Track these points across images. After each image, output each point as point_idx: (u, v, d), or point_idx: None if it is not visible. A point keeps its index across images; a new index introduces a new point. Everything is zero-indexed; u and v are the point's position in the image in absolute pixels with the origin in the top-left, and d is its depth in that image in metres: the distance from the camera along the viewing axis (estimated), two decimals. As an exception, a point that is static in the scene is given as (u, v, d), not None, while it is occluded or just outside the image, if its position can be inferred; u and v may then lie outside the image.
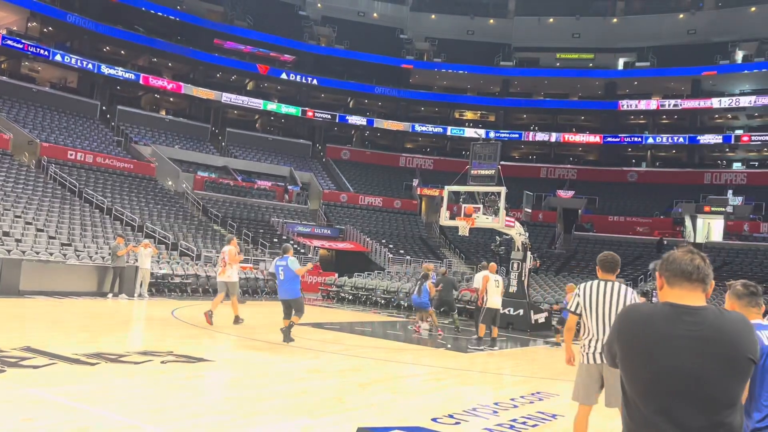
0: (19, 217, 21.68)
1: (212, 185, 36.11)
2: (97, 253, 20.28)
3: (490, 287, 13.39)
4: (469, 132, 45.14)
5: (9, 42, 34.36)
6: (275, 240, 30.50)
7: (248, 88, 45.30)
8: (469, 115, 48.86)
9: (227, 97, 42.06)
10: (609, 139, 43.79)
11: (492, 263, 14.45)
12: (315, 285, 26.01)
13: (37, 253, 18.18)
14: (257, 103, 43.43)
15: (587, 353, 4.87)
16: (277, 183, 39.58)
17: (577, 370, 5.04)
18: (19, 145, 29.60)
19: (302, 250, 31.04)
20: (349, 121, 45.76)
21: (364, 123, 45.99)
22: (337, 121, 45.49)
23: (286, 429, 5.30)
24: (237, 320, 12.41)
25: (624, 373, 2.19)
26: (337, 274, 26.00)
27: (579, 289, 4.97)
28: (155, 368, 7.54)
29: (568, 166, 45.51)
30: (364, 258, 32.47)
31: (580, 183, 42.65)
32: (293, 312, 10.58)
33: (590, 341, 4.85)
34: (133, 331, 11.99)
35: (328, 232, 35.52)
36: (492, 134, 43.78)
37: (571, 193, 41.23)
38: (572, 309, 4.98)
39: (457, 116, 48.41)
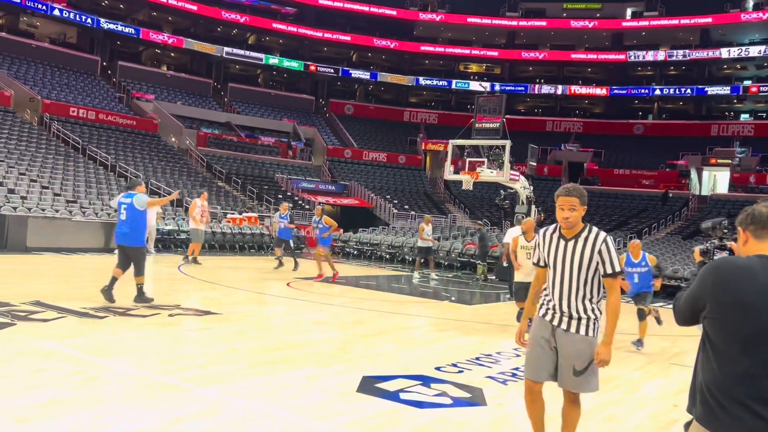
0: (24, 174, 21.71)
1: (216, 141, 35.99)
2: (102, 209, 20.35)
3: (520, 255, 8.77)
4: (474, 85, 44.59)
5: (6, -4, 33.80)
6: (280, 196, 30.51)
7: (250, 42, 44.68)
8: (474, 68, 48.18)
9: (228, 51, 41.52)
10: (616, 91, 43.23)
11: (528, 219, 9.24)
12: (320, 240, 26.10)
13: (43, 210, 18.27)
14: (259, 57, 42.88)
15: None
16: (280, 139, 39.40)
17: None
18: (20, 102, 29.43)
19: (307, 206, 31.08)
20: (353, 75, 45.24)
21: (368, 77, 45.46)
22: (340, 75, 44.97)
23: (292, 378, 5.40)
24: (192, 260, 15.21)
25: (718, 327, 2.17)
26: (342, 230, 26.10)
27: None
28: (163, 321, 7.66)
29: (574, 119, 45.08)
30: (368, 213, 32.54)
31: (586, 136, 42.30)
32: (131, 265, 8.71)
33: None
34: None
35: (333, 187, 35.51)
36: (497, 87, 43.24)
37: (576, 146, 40.98)
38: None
39: (461, 69, 47.75)
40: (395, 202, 33.27)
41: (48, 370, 5.08)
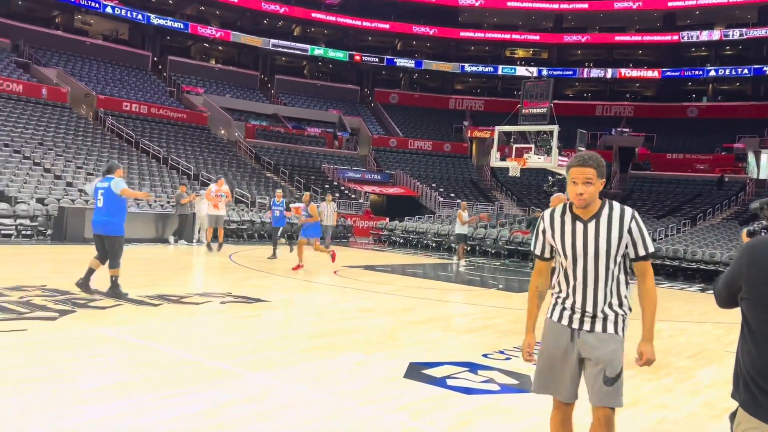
0: (81, 167, 22.46)
1: (263, 133, 36.48)
2: (156, 201, 20.91)
3: None
4: (521, 70, 43.95)
5: (61, -4, 34.88)
6: (326, 186, 30.77)
7: (295, 34, 45.02)
8: (520, 53, 47.46)
9: (275, 43, 41.93)
10: (668, 73, 41.98)
11: (558, 194, 8.34)
12: (366, 229, 26.29)
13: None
14: (304, 48, 43.18)
15: None
16: (326, 129, 39.66)
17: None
18: (76, 98, 30.40)
19: (353, 196, 31.26)
20: (398, 64, 45.13)
21: (413, 65, 45.29)
22: (384, 64, 44.92)
23: (340, 363, 5.48)
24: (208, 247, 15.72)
25: (753, 307, 2.12)
26: (387, 219, 26.19)
27: None
28: (215, 308, 7.85)
29: (625, 103, 43.97)
30: (414, 202, 32.53)
31: (637, 120, 41.26)
32: (107, 256, 8.03)
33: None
34: (193, 275, 12.43)
35: (378, 177, 35.59)
36: (545, 72, 42.48)
37: (627, 130, 40.00)
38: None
39: (508, 55, 47.07)
40: (441, 190, 33.15)
41: (106, 355, 5.28)
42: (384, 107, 44.10)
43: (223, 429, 3.74)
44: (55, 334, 5.87)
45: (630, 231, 2.93)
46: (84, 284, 7.91)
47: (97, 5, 36.13)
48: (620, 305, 2.98)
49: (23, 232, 15.84)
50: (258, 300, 8.64)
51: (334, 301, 9.71)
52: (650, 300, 3.03)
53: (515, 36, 45.50)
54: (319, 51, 43.66)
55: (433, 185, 33.83)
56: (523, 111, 22.13)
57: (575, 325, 2.99)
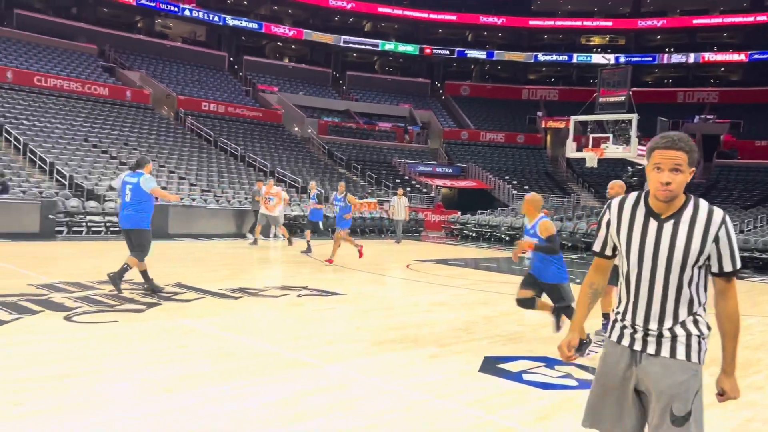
0: (163, 166, 23.41)
1: (335, 129, 36.97)
2: (234, 197, 21.57)
3: None
4: (597, 58, 42.69)
5: (143, 1, 36.46)
6: (398, 180, 30.88)
7: (366, 30, 45.32)
8: (596, 40, 46.09)
9: (346, 40, 42.36)
10: (756, 56, 39.77)
11: (616, 181, 7.07)
12: (438, 223, 26.24)
13: (181, 199, 19.63)
14: (375, 44, 43.42)
15: None
16: (397, 124, 39.78)
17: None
18: (158, 99, 31.70)
19: (424, 190, 31.25)
20: (468, 56, 44.73)
21: (484, 56, 44.78)
22: (455, 56, 44.61)
23: (414, 356, 5.51)
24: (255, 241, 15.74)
25: None
26: (459, 212, 26.04)
27: None
28: (292, 301, 8.05)
29: (709, 88, 41.97)
30: (486, 195, 32.21)
31: (722, 106, 39.31)
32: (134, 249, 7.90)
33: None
34: (271, 269, 12.76)
35: (450, 170, 35.42)
36: (622, 59, 41.12)
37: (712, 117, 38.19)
38: None
39: (583, 42, 45.82)
40: (514, 182, 32.66)
41: (190, 345, 5.51)
42: (455, 100, 43.81)
43: (303, 418, 3.84)
44: (143, 326, 6.17)
45: (717, 240, 2.33)
46: (115, 279, 7.70)
47: (176, 9, 37.52)
48: (695, 324, 2.38)
49: (111, 229, 16.68)
50: (333, 293, 8.79)
51: (407, 295, 9.75)
52: (732, 324, 2.42)
53: (589, 23, 44.20)
54: (389, 46, 43.81)
55: (506, 178, 33.38)
56: (600, 100, 21.48)
57: (637, 347, 2.42)
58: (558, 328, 6.16)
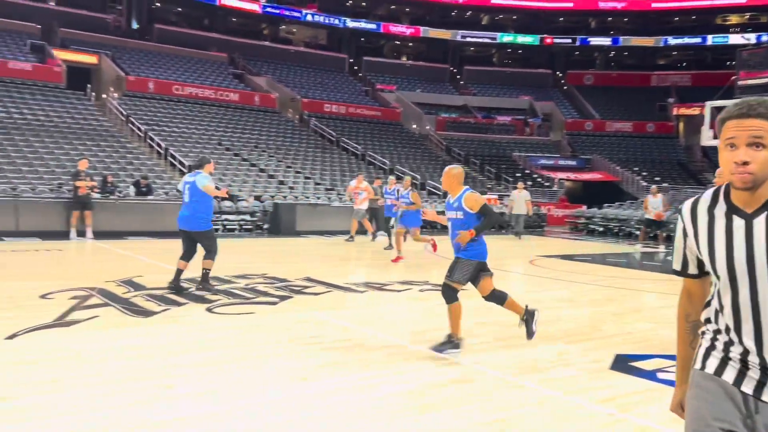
0: (290, 167, 24.45)
1: (453, 125, 36.91)
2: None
3: None
4: (735, 38, 39.61)
5: (269, 9, 38.26)
6: (518, 175, 30.32)
7: (483, 23, 44.84)
8: (733, 19, 42.78)
9: (463, 34, 42.15)
10: None
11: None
12: (562, 218, 25.51)
13: (307, 197, 20.41)
14: (493, 36, 42.89)
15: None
16: (516, 117, 39.07)
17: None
18: (283, 102, 33.12)
19: (546, 183, 30.46)
20: (591, 43, 43.06)
21: (609, 43, 42.92)
22: (577, 44, 43.09)
23: (541, 352, 5.42)
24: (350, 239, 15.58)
25: None
26: (585, 206, 25.15)
27: None
28: (414, 295, 8.16)
29: None
30: (614, 188, 30.87)
31: None
32: (200, 250, 7.81)
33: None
34: (392, 264, 12.98)
35: (573, 163, 34.29)
36: (764, 38, 37.86)
37: None
38: None
39: (719, 22, 42.68)
40: (644, 174, 31.06)
41: (321, 336, 5.75)
42: (578, 89, 42.33)
43: (432, 409, 3.91)
44: (278, 317, 6.51)
45: None
46: (176, 285, 7.66)
47: (298, 14, 39.03)
48: None
49: (244, 227, 17.66)
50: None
51: (531, 291, 9.58)
52: None
53: (724, 1, 41.07)
54: (508, 38, 43.11)
55: (635, 169, 31.82)
56: (739, 83, 19.99)
57: (748, 389, 1.78)
58: (531, 334, 5.44)
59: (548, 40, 42.85)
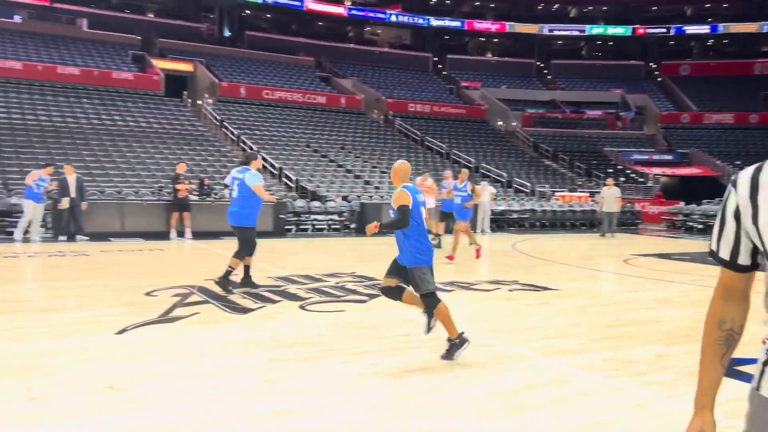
0: (375, 167, 24.70)
1: (540, 121, 36.17)
2: (440, 194, 22.10)
3: None
4: None
5: (354, 12, 38.80)
6: (609, 170, 29.35)
7: (571, 15, 43.66)
8: None
9: (549, 29, 41.23)
10: None
11: None
12: (657, 215, 24.47)
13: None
14: (581, 29, 41.71)
15: None
16: (607, 111, 37.82)
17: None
18: (369, 103, 33.51)
19: (640, 179, 29.31)
20: (687, 32, 41.06)
21: (707, 30, 40.78)
22: (671, 33, 41.20)
23: (639, 354, 5.24)
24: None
25: None
26: (683, 203, 24.02)
27: None
28: (504, 295, 8.07)
29: None
30: (714, 183, 29.30)
31: None
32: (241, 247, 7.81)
33: None
34: (480, 263, 12.88)
35: (669, 157, 32.83)
36: None
37: None
38: None
39: (831, 3, 39.66)
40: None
41: (410, 335, 5.79)
42: (673, 81, 40.48)
43: (524, 410, 3.87)
44: (367, 315, 6.61)
45: None
46: (223, 282, 7.64)
47: (383, 16, 39.37)
48: None
49: (332, 226, 18.01)
50: (545, 288, 8.65)
51: (626, 291, 9.26)
52: None
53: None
54: (597, 30, 41.79)
55: (738, 163, 30.08)
56: None
57: None
58: (429, 329, 5.12)
59: (640, 31, 41.20)
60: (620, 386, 4.39)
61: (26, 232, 13.53)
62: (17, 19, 31.99)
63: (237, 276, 8.00)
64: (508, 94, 38.39)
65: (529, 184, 26.02)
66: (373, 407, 3.88)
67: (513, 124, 35.49)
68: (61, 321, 6.09)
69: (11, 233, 13.67)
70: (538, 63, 42.80)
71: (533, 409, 3.88)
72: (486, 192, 18.52)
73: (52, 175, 13.83)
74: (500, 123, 35.99)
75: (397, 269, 5.19)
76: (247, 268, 7.95)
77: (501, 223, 20.28)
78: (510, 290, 8.42)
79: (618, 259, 12.86)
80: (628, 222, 22.40)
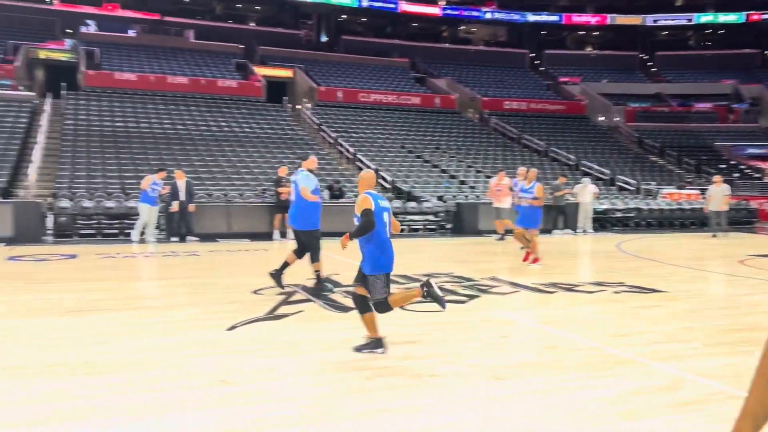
0: (471, 166, 24.50)
1: (645, 115, 34.66)
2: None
3: None
4: None
5: (448, 11, 38.70)
6: (721, 166, 27.68)
7: (677, 4, 41.55)
8: None
9: (654, 19, 39.41)
10: None
11: None
12: (777, 213, 22.84)
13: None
14: (689, 18, 39.59)
15: None
16: (718, 103, 35.67)
17: None
18: (463, 102, 33.29)
19: (756, 175, 27.46)
20: (810, 15, 38.01)
21: (831, 13, 37.61)
22: (792, 17, 38.29)
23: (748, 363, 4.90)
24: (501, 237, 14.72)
25: None
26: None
27: None
28: (608, 297, 7.79)
29: None
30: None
31: None
32: (304, 251, 7.64)
33: None
34: (582, 264, 12.51)
35: (789, 150, 30.53)
36: None
37: None
38: None
39: None
40: None
41: (512, 336, 5.71)
42: (793, 69, 37.64)
43: (634, 417, 3.72)
44: (467, 316, 6.57)
45: None
46: (276, 275, 7.66)
47: (477, 14, 39.04)
48: None
49: (428, 227, 18.02)
50: (654, 290, 8.27)
51: (744, 293, 8.69)
52: None
53: None
54: (706, 18, 39.54)
55: None
56: None
57: None
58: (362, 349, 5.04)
59: (754, 17, 38.56)
60: (739, 395, 4.13)
61: (142, 233, 14.42)
62: (131, 33, 34.20)
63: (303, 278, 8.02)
64: (610, 89, 37.00)
65: (633, 182, 24.96)
66: (476, 408, 3.85)
67: (615, 119, 34.18)
68: (176, 317, 6.44)
69: (129, 235, 14.62)
70: (641, 55, 41.01)
71: (645, 416, 3.72)
72: (587, 190, 17.98)
73: (165, 179, 14.67)
74: (602, 118, 34.76)
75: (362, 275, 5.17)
76: (317, 273, 7.84)
77: (604, 222, 19.57)
78: (615, 292, 8.11)
79: (733, 260, 12.10)
80: (743, 221, 21.04)
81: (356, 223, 5.07)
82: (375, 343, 5.05)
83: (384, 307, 5.03)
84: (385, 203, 5.21)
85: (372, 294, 5.01)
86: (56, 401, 3.89)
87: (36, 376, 4.37)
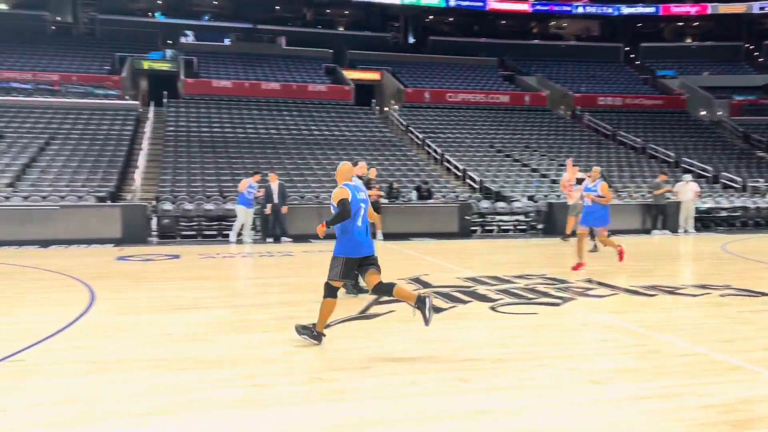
0: (562, 165, 23.82)
1: (752, 108, 32.64)
2: (636, 191, 20.79)
3: None
4: None
5: (538, 7, 37.94)
6: (841, 160, 25.62)
7: (787, -12, 38.85)
8: None
9: (760, 6, 37.04)
10: None
11: None
12: None
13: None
14: (801, 3, 36.93)
15: None
16: (837, 92, 33.06)
17: None
18: (554, 99, 32.50)
19: None
20: None
21: None
22: None
23: None
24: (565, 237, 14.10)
25: None
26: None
27: None
28: (714, 301, 7.40)
29: None
30: None
31: None
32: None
33: None
34: (684, 266, 11.94)
35: None
36: None
37: None
38: None
39: None
40: None
41: (611, 340, 5.53)
42: None
43: (745, 427, 3.53)
44: (562, 319, 6.43)
45: None
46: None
47: (568, 8, 38.03)
48: None
49: (518, 227, 17.73)
50: (764, 294, 7.79)
51: None
52: None
53: None
54: (820, 1, 36.75)
55: None
56: None
57: None
58: (426, 320, 5.02)
59: None
60: None
61: (239, 234, 14.99)
62: (226, 41, 35.63)
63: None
64: (712, 81, 35.07)
65: (739, 179, 23.54)
66: (574, 412, 3.77)
67: (718, 113, 32.38)
68: (275, 315, 6.67)
69: (227, 236, 15.24)
70: (746, 45, 38.64)
71: (756, 426, 3.52)
72: (688, 189, 17.17)
73: (259, 182, 15.19)
74: (703, 113, 33.01)
75: (364, 264, 5.41)
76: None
77: (707, 222, 18.59)
78: (721, 295, 7.70)
79: None
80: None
81: (333, 212, 5.39)
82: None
83: (330, 290, 5.29)
84: (362, 195, 5.50)
85: (329, 273, 5.33)
86: (176, 393, 4.12)
87: (144, 370, 4.64)
